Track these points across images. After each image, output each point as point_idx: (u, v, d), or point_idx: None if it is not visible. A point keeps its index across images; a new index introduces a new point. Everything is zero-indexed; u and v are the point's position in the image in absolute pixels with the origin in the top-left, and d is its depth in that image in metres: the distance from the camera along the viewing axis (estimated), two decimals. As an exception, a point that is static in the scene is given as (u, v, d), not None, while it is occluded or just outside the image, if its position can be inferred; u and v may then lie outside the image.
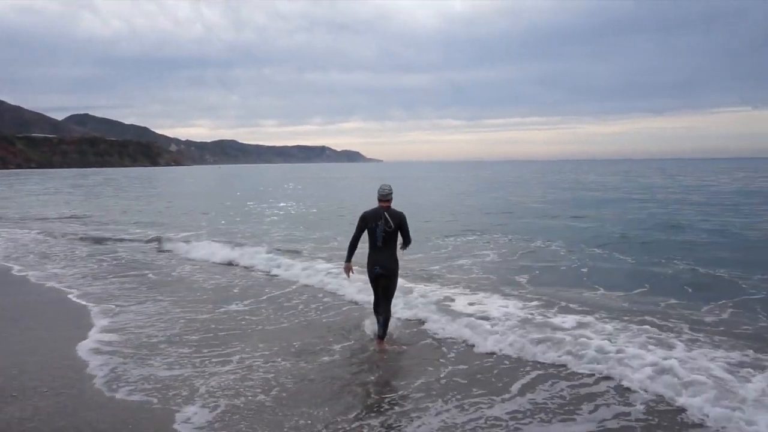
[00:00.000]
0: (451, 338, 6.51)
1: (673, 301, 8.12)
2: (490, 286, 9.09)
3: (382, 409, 4.68)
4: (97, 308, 8.00)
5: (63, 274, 10.56)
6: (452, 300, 8.06)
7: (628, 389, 4.97)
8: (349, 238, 6.23)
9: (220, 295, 8.96)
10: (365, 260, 6.22)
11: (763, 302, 7.91)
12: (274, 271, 10.61)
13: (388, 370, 5.67)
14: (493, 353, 5.98)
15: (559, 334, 6.27)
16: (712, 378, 4.97)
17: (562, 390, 5.01)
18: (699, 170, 77.91)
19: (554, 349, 5.90)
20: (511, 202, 28.10)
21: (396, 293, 6.42)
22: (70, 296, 8.80)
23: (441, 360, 5.84)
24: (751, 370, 5.21)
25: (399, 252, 6.18)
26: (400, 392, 5.07)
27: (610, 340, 6.05)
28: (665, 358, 5.39)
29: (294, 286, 9.42)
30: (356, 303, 8.13)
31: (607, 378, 5.22)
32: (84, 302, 8.36)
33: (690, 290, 8.81)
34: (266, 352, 6.09)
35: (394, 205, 6.17)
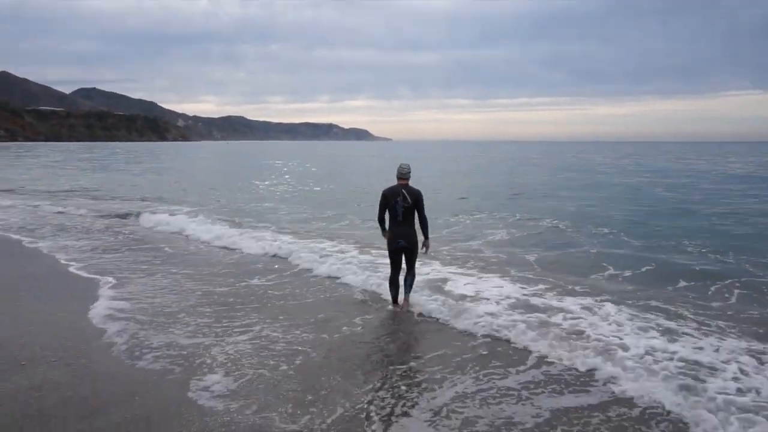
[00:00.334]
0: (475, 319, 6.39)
1: (681, 284, 8.07)
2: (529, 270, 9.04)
3: (398, 380, 4.81)
4: (109, 279, 8.07)
5: (74, 246, 10.63)
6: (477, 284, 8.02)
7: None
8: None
9: (241, 269, 8.99)
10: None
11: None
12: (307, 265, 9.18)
13: (407, 342, 5.81)
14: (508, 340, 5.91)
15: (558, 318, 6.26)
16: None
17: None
18: (710, 154, 76.86)
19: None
20: (519, 182, 27.89)
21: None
22: (80, 268, 8.84)
23: (456, 340, 5.85)
24: None
25: (421, 250, 6.70)
26: (416, 363, 5.21)
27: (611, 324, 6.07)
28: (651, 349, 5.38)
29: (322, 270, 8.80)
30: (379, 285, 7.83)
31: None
32: (95, 274, 8.41)
33: (698, 273, 8.72)
34: (286, 324, 6.21)
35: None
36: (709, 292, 7.72)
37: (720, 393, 4.44)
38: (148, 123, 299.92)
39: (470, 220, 14.50)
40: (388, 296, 6.96)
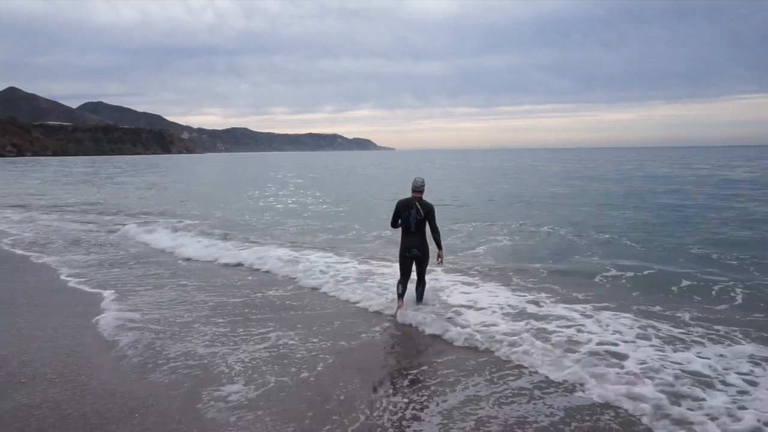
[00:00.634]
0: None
1: (683, 288, 8.04)
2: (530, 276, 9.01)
3: (416, 387, 4.90)
4: (111, 292, 8.09)
5: (75, 261, 10.65)
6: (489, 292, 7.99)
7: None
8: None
9: (258, 279, 9.11)
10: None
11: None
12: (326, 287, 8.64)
13: (423, 352, 5.82)
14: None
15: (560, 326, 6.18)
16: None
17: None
18: (715, 158, 76.51)
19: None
20: (523, 190, 27.84)
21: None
22: (81, 282, 8.85)
23: (457, 350, 5.82)
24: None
25: (434, 260, 6.99)
26: (431, 372, 5.21)
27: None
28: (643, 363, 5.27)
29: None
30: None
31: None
32: (96, 288, 8.43)
33: (699, 279, 8.68)
34: (302, 332, 6.32)
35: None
36: (713, 293, 7.78)
37: (723, 405, 4.41)
38: (153, 136, 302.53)
39: (472, 227, 14.51)
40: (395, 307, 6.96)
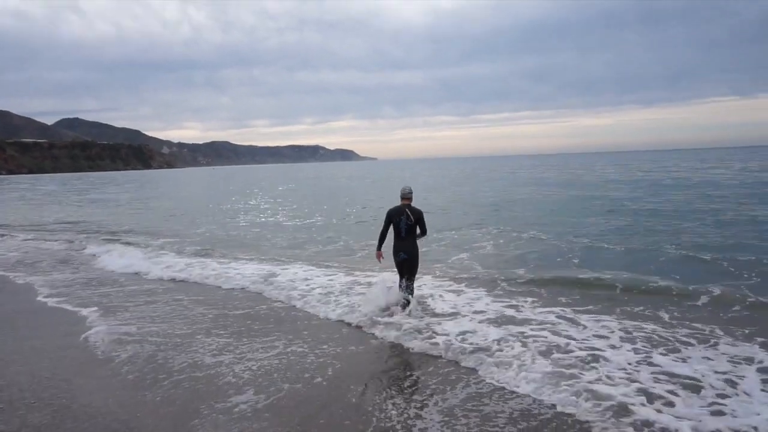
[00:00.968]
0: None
1: (660, 288, 8.17)
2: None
3: (425, 389, 5.07)
4: (99, 310, 7.99)
5: (53, 281, 10.42)
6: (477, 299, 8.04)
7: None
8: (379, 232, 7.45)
9: (260, 291, 9.15)
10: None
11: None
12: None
13: (409, 364, 5.75)
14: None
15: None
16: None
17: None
18: (692, 161, 78.22)
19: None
20: (503, 196, 28.10)
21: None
22: (61, 302, 8.67)
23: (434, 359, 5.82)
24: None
25: (418, 241, 7.39)
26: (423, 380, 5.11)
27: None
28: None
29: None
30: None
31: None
32: (77, 307, 8.26)
33: (678, 277, 8.88)
34: (310, 340, 6.46)
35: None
36: (690, 294, 7.93)
37: (703, 407, 4.48)
38: (132, 151, 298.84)
39: (457, 234, 14.59)
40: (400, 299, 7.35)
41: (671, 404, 4.52)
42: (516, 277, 9.42)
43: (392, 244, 7.28)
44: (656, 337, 6.12)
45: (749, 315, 6.96)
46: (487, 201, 25.69)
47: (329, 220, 20.32)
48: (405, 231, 7.14)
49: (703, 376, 5.05)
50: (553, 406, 4.62)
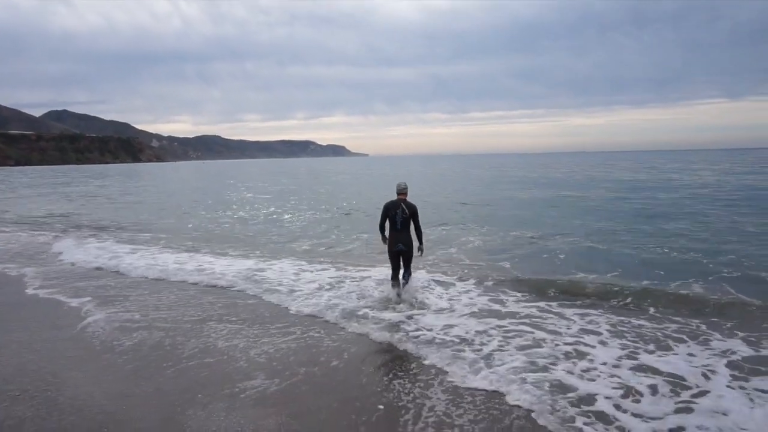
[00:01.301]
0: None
1: (642, 284, 8.27)
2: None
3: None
4: (88, 299, 7.91)
5: (43, 272, 10.31)
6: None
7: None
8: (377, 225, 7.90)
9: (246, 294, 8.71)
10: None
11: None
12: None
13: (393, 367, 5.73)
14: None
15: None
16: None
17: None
18: (680, 161, 78.99)
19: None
20: (493, 194, 28.24)
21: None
22: (53, 293, 8.61)
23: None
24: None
25: (416, 253, 7.80)
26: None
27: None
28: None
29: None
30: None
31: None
32: (71, 298, 8.20)
33: (662, 273, 9.11)
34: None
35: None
36: (671, 288, 8.12)
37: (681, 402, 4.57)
38: (121, 144, 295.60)
39: (445, 229, 14.66)
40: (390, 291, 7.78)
41: (638, 401, 4.58)
42: (502, 271, 9.58)
43: (389, 236, 7.70)
44: (633, 333, 6.23)
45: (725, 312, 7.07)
46: (478, 199, 25.77)
47: (327, 213, 20.31)
48: (401, 223, 7.58)
49: (678, 372, 5.14)
50: (518, 400, 4.63)
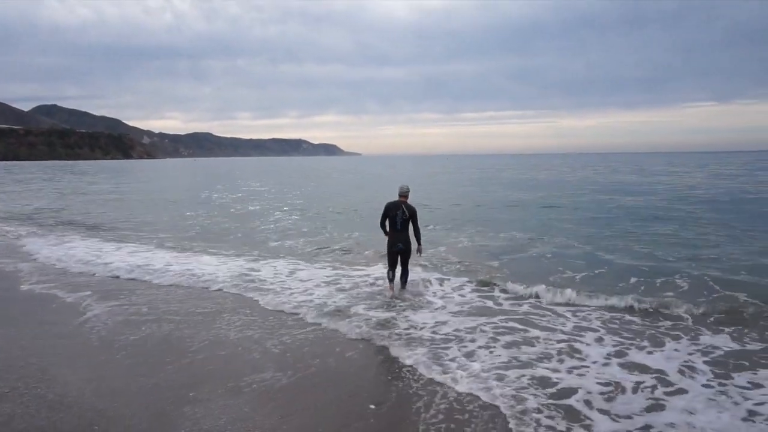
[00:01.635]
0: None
1: (632, 282, 8.39)
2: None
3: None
4: (87, 293, 7.90)
5: (41, 269, 10.24)
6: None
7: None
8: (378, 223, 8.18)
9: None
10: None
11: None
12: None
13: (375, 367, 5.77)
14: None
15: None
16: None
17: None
18: (664, 164, 79.74)
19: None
20: (484, 195, 28.38)
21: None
22: (50, 288, 8.56)
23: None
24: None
25: (415, 254, 8.18)
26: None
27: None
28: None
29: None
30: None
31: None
32: (70, 292, 8.16)
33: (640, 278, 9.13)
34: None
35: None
36: (657, 285, 8.34)
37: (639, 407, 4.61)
38: (112, 140, 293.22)
39: (439, 228, 14.74)
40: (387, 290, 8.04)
41: (612, 399, 4.62)
42: (495, 270, 9.69)
43: (389, 236, 8.00)
44: (626, 330, 6.29)
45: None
46: (469, 200, 25.87)
47: (328, 211, 20.29)
48: (400, 224, 7.91)
49: (663, 368, 5.21)
50: (495, 398, 4.66)
